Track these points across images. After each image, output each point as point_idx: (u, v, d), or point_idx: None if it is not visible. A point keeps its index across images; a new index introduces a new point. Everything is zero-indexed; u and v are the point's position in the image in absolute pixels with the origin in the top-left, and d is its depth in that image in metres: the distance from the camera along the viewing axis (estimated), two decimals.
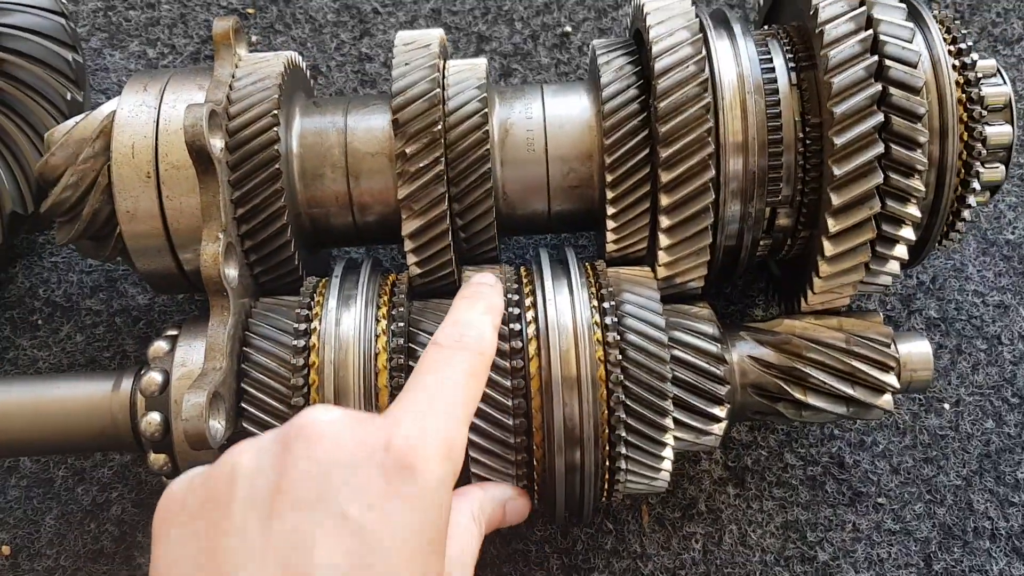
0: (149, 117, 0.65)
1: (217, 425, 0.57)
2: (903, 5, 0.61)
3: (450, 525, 0.49)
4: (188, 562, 0.44)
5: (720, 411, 0.62)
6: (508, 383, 0.59)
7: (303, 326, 0.61)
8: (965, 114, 0.63)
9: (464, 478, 0.59)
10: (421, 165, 0.63)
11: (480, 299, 0.58)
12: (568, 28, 0.92)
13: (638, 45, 0.68)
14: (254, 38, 0.93)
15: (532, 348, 0.60)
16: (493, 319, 0.57)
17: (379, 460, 0.43)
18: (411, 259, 0.65)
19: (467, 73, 0.67)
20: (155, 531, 0.46)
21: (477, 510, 0.57)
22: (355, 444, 0.44)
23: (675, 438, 0.61)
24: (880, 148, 0.58)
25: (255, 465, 0.45)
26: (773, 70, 0.64)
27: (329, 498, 0.42)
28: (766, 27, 0.70)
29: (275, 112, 0.64)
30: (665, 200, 0.62)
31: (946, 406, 0.79)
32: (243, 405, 0.60)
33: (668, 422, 0.59)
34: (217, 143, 0.61)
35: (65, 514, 0.77)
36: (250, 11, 0.94)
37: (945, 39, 0.63)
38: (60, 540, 0.76)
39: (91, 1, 0.95)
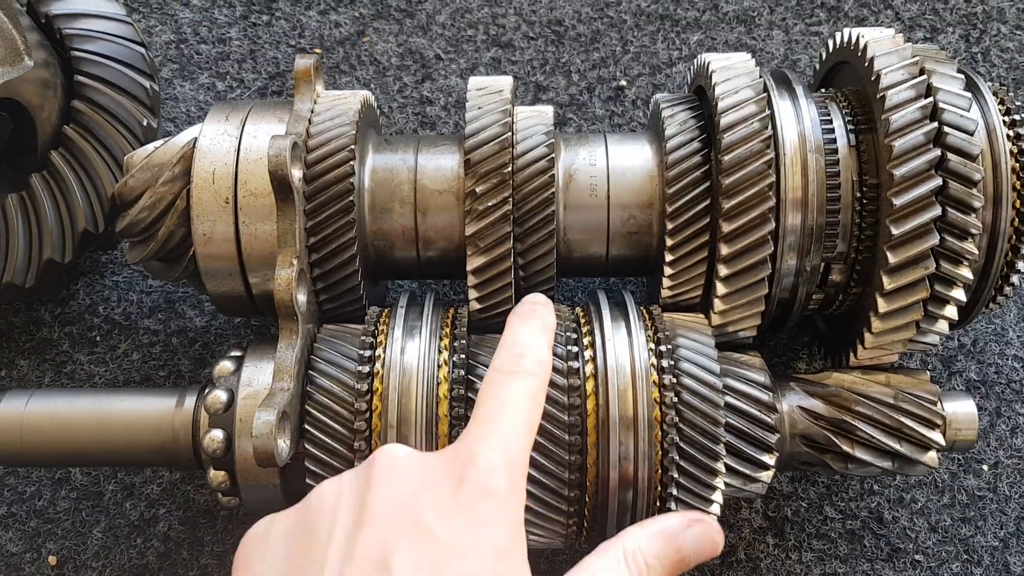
0: (230, 146, 0.68)
1: (283, 444, 0.58)
2: (961, 75, 0.64)
3: (591, 570, 0.53)
4: None
5: (769, 459, 0.63)
6: (566, 418, 0.60)
7: (368, 353, 0.63)
8: (1018, 182, 0.65)
9: None
10: (489, 204, 0.65)
11: (534, 318, 0.61)
12: (623, 82, 0.95)
13: (700, 101, 0.71)
14: None
15: (590, 387, 0.61)
16: (548, 338, 0.60)
17: (448, 479, 0.49)
18: (472, 294, 0.67)
19: (535, 119, 0.70)
20: (236, 568, 0.50)
21: (632, 549, 0.55)
22: (427, 467, 0.51)
23: (724, 483, 0.62)
24: (937, 211, 0.60)
25: (338, 492, 0.51)
26: (833, 131, 0.66)
27: (407, 512, 0.47)
28: (823, 90, 0.73)
29: (351, 147, 0.67)
30: (725, 250, 0.64)
31: (985, 467, 0.80)
32: (306, 427, 0.62)
33: (720, 466, 0.61)
34: (296, 173, 0.64)
35: (112, 528, 0.78)
36: (317, 51, 0.97)
37: (1000, 110, 0.66)
38: (106, 553, 0.77)
39: (164, 33, 0.99)
